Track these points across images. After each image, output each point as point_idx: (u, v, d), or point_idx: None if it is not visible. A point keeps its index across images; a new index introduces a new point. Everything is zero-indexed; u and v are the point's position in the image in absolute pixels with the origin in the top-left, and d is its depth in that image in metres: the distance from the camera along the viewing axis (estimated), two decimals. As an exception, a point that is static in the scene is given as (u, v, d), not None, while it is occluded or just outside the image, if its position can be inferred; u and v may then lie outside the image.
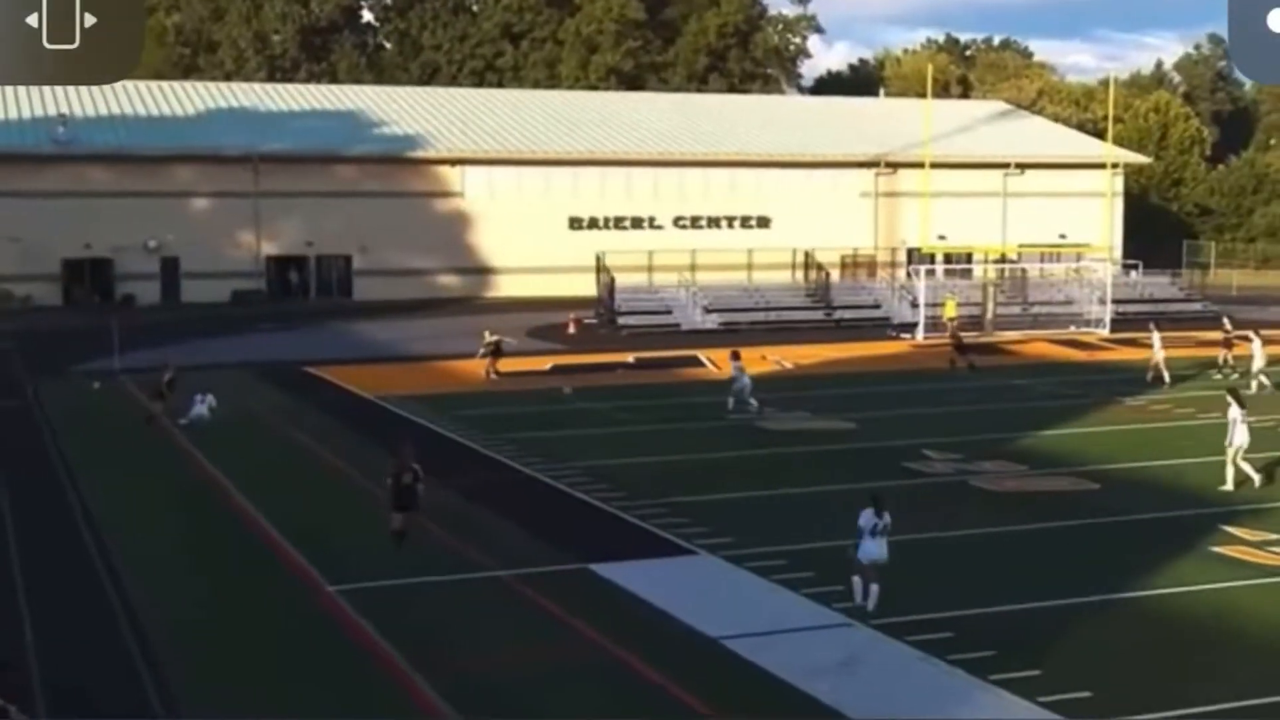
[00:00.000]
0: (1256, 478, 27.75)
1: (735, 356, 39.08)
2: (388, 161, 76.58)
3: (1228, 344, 45.63)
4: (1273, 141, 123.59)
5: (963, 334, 50.23)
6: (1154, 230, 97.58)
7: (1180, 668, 17.51)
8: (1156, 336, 44.47)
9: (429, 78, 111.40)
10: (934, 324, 58.44)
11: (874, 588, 19.33)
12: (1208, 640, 18.49)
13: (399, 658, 17.62)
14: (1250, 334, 44.31)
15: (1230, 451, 27.83)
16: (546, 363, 48.58)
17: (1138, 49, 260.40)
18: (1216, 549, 22.80)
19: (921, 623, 18.60)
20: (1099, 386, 43.07)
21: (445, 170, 77.35)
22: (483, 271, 77.10)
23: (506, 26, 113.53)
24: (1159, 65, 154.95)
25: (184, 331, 56.73)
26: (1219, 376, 43.35)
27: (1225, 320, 48.24)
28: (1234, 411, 28.09)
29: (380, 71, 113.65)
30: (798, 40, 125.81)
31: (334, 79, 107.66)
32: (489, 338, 45.10)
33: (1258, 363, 42.22)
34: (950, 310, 58.15)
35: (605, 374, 45.95)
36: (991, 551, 23.07)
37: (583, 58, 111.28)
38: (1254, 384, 40.83)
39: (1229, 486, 27.49)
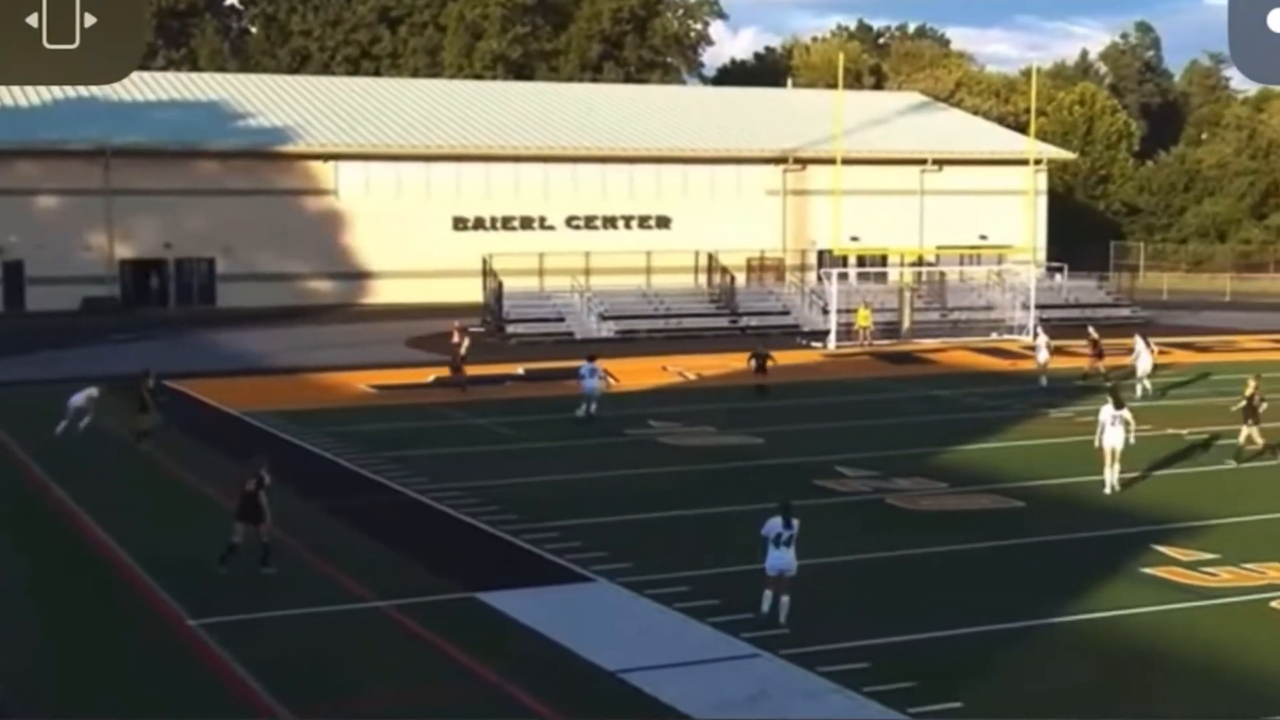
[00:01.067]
0: (1111, 484, 29.22)
1: (590, 359, 39.76)
2: (254, 156, 75.89)
3: (1099, 354, 46.29)
4: (1204, 136, 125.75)
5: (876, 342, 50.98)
6: (1080, 230, 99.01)
7: (1111, 696, 17.73)
8: (1043, 340, 46.78)
9: (299, 65, 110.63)
10: (848, 332, 58.96)
11: (784, 600, 19.58)
12: (1140, 666, 18.73)
13: (268, 697, 17.44)
14: (1136, 338, 46.01)
15: (1105, 454, 29.28)
16: (428, 375, 48.37)
17: (1062, 38, 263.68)
18: (1148, 570, 23.13)
19: (836, 652, 18.69)
20: (1023, 398, 43.57)
21: (317, 166, 76.81)
22: (358, 276, 76.63)
23: (384, 11, 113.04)
24: (1084, 55, 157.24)
25: (29, 343, 55.94)
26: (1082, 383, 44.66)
27: (1091, 329, 48.91)
28: (1105, 413, 29.71)
29: (245, 59, 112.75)
30: (699, 26, 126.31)
31: (194, 66, 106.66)
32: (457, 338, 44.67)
33: (1143, 367, 44.18)
34: (863, 319, 58.77)
35: (492, 387, 45.82)
36: (910, 575, 23.23)
37: (467, 44, 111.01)
38: (1138, 388, 42.85)
39: (1109, 490, 29.16)
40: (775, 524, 20.00)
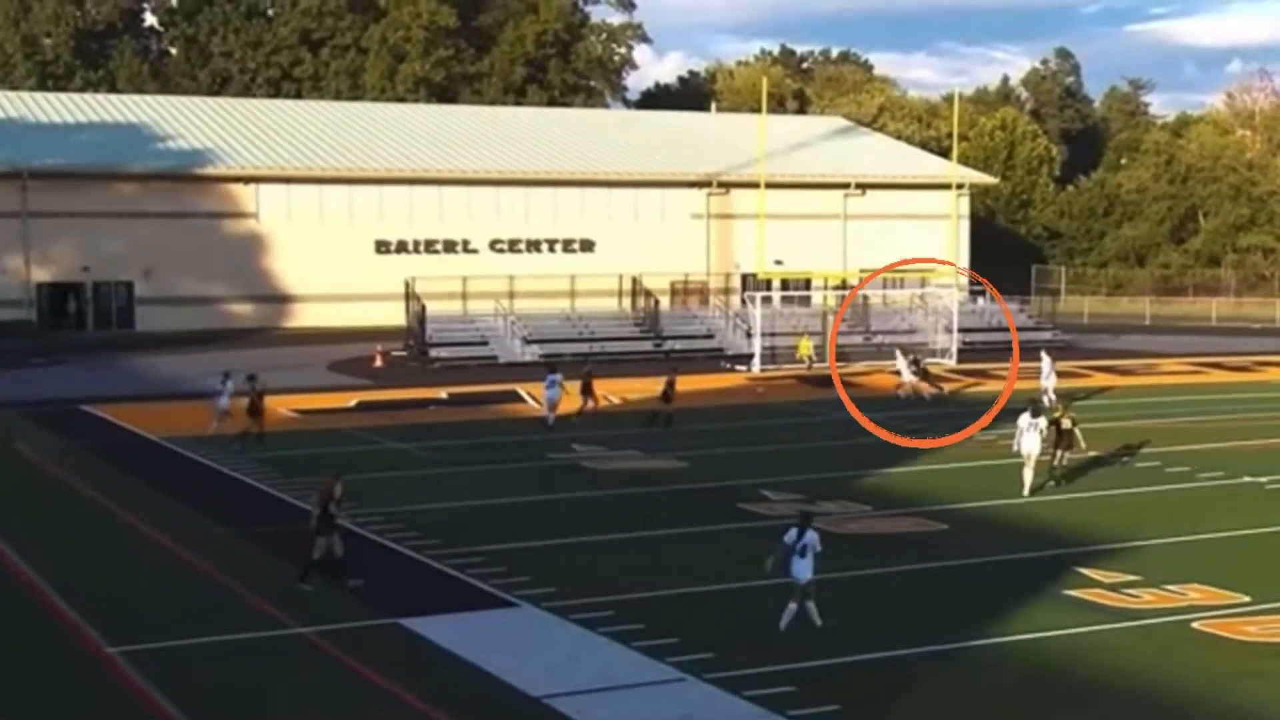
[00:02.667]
0: (1026, 489, 31.43)
1: (551, 370, 42.11)
2: (173, 179, 75.40)
3: (924, 373, 47.37)
4: (1124, 161, 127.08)
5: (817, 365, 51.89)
6: (1002, 254, 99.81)
7: (1035, 718, 17.83)
8: (901, 361, 48.50)
9: (219, 87, 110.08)
10: (772, 357, 59.25)
11: (810, 605, 20.53)
12: (1063, 688, 18.84)
13: (189, 726, 17.30)
14: (1043, 354, 49.86)
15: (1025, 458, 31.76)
16: (351, 399, 48.17)
17: (984, 63, 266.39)
18: (1070, 592, 23.30)
19: (761, 675, 18.72)
20: (946, 420, 43.80)
21: (238, 189, 76.40)
22: (280, 299, 76.24)
23: (305, 33, 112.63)
24: (1005, 80, 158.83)
25: (-57, 367, 55.26)
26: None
27: (899, 354, 49.37)
28: (1023, 419, 32.14)
29: (165, 80, 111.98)
30: (622, 50, 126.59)
31: (113, 88, 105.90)
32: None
33: (1046, 381, 47.52)
34: (804, 349, 59.20)
35: (415, 411, 45.66)
36: (835, 598, 23.25)
37: (389, 67, 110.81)
38: (1044, 399, 44.41)
39: (1026, 494, 31.41)
40: (792, 533, 20.80)
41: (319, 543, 23.15)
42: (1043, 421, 32.30)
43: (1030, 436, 31.85)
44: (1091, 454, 36.29)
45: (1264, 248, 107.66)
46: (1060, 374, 50.15)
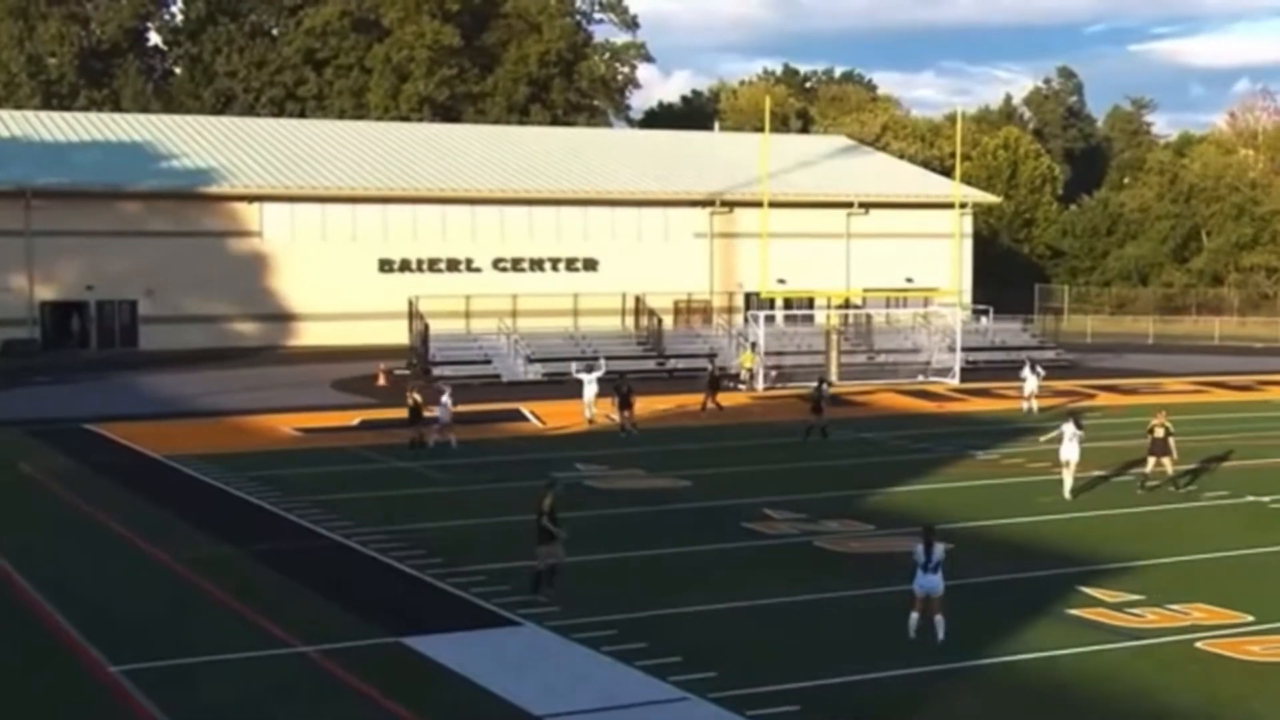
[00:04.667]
0: (1067, 492, 33.72)
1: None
2: (178, 197, 75.49)
3: (816, 409, 45.08)
4: (1126, 180, 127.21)
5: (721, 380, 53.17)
6: (1005, 273, 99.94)
7: (1038, 738, 17.80)
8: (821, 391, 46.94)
9: (223, 107, 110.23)
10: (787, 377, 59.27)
11: (938, 619, 20.92)
12: (1067, 708, 18.80)
13: (190, 745, 17.25)
14: (1025, 365, 52.01)
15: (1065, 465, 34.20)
16: (354, 418, 48.17)
17: (987, 82, 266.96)
18: (1074, 611, 23.24)
19: (765, 695, 18.67)
20: (949, 439, 43.80)
21: (241, 207, 76.48)
22: (284, 318, 76.27)
23: (309, 52, 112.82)
24: (1008, 100, 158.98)
25: (-54, 386, 55.29)
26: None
27: (824, 384, 48.74)
28: (1067, 429, 34.29)
29: (169, 99, 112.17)
30: (626, 70, 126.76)
31: (117, 107, 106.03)
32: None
33: (1029, 387, 50.28)
34: (748, 361, 59.16)
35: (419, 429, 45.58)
36: (839, 617, 23.26)
37: (393, 86, 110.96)
38: (1024, 406, 49.31)
39: (1067, 495, 33.73)
40: (919, 550, 21.25)
41: (540, 553, 23.62)
42: (1082, 432, 34.54)
43: (1070, 445, 34.03)
44: (1096, 473, 36.27)
45: (1267, 267, 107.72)
46: (1064, 393, 50.25)
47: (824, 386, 46.41)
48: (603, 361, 50.34)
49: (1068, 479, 34.08)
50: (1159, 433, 35.03)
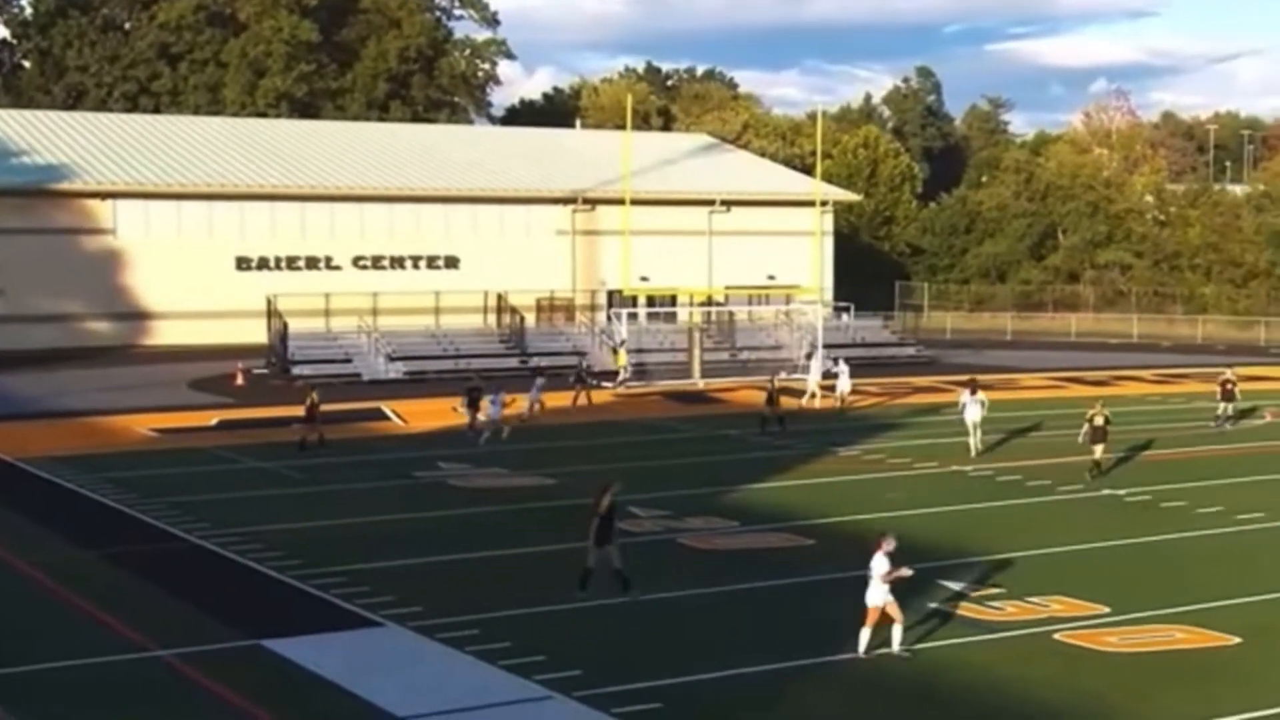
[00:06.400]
0: (973, 452, 39.54)
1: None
2: (27, 194, 73.97)
3: (771, 402, 46.27)
4: (984, 179, 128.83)
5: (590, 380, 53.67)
6: (866, 271, 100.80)
7: (901, 732, 18.00)
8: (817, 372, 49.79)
9: (75, 101, 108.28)
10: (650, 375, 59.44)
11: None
12: (928, 702, 19.02)
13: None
14: (840, 363, 53.23)
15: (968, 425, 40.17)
16: (212, 418, 47.60)
17: (847, 81, 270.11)
18: (935, 605, 23.54)
19: (629, 693, 18.71)
20: (812, 436, 44.15)
21: (94, 204, 75.18)
22: (139, 317, 75.05)
23: (163, 46, 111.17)
24: (868, 99, 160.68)
25: None
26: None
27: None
28: (965, 395, 40.90)
29: (18, 94, 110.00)
30: (486, 66, 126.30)
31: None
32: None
33: (842, 386, 51.75)
34: (621, 360, 59.40)
35: (278, 429, 45.15)
36: (703, 614, 23.36)
37: (249, 82, 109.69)
38: (805, 398, 50.89)
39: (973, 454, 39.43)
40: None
41: (593, 552, 23.62)
42: (982, 395, 40.84)
43: (972, 408, 40.40)
44: (954, 468, 36.75)
45: (1121, 264, 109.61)
46: (923, 389, 50.88)
47: (776, 380, 47.02)
48: (541, 380, 49.31)
49: (972, 441, 39.71)
50: (1098, 421, 37.17)
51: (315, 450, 40.14)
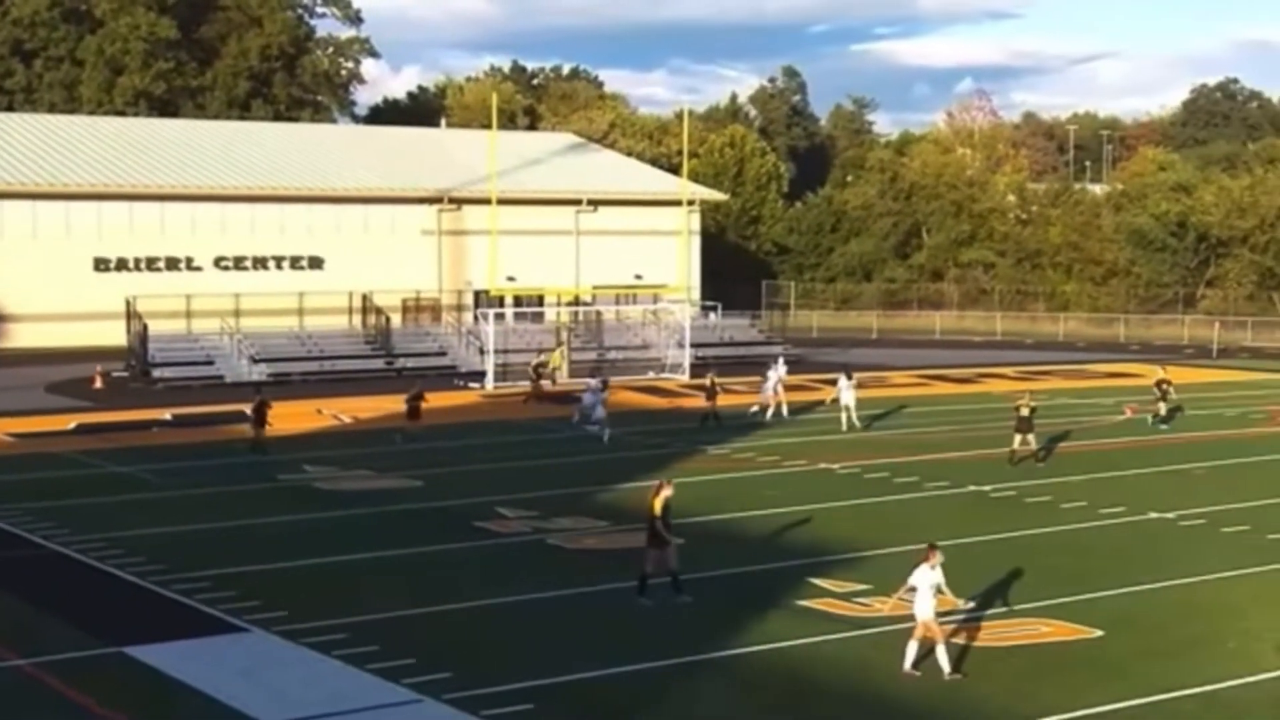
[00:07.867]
0: (844, 427, 44.07)
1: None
2: (-124, 194, 72.47)
3: (710, 397, 47.25)
4: (850, 178, 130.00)
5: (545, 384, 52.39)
6: (733, 270, 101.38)
7: (771, 728, 18.10)
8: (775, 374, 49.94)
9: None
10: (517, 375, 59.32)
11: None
12: (798, 697, 19.16)
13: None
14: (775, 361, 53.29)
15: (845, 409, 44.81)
16: (69, 422, 46.82)
17: (714, 81, 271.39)
18: (803, 602, 23.72)
19: (499, 695, 18.67)
20: (681, 435, 44.33)
21: (-54, 204, 73.74)
22: (-7, 320, 73.75)
23: (16, 43, 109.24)
24: (734, 99, 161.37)
25: None
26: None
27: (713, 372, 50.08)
28: (841, 380, 45.67)
29: None
30: (350, 65, 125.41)
31: None
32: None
33: (770, 391, 50.31)
34: (556, 360, 59.60)
35: (138, 433, 44.57)
36: (573, 614, 23.35)
37: (107, 79, 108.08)
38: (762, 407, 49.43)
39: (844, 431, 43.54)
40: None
41: (649, 555, 23.59)
42: (853, 380, 45.93)
43: (846, 393, 45.37)
44: (822, 465, 37.03)
45: (984, 263, 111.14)
46: (791, 388, 51.22)
47: (713, 377, 47.65)
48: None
49: (844, 420, 44.73)
50: (1024, 411, 38.43)
51: (260, 452, 39.79)
